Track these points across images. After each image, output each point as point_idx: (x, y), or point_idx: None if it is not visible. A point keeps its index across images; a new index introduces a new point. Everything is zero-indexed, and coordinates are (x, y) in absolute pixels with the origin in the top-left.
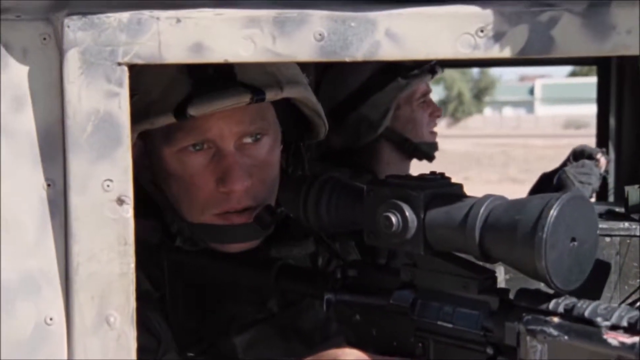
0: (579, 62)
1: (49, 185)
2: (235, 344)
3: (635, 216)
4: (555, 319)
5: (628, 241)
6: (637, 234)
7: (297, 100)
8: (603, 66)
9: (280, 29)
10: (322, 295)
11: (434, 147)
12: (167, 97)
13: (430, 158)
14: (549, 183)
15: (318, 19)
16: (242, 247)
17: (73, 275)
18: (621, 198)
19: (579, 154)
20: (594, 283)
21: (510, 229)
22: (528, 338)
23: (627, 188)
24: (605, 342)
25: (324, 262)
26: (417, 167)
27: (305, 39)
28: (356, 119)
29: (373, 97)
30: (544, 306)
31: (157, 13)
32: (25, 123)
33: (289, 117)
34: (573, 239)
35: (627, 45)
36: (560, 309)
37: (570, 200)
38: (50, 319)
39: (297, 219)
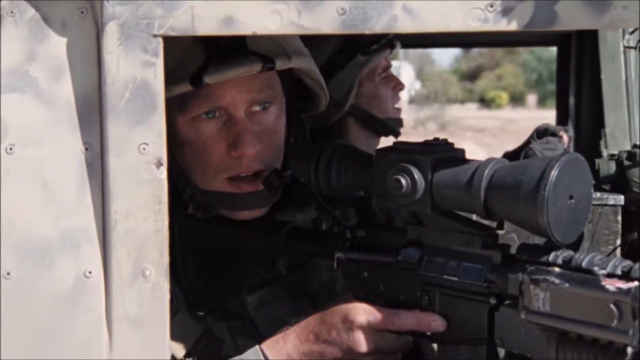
0: (540, 43)
1: (86, 148)
2: (246, 303)
3: (605, 187)
4: (556, 269)
5: (600, 210)
6: (609, 203)
7: (301, 71)
8: (563, 46)
9: (305, 4)
10: (332, 254)
11: (399, 122)
12: (182, 67)
13: (397, 134)
14: (517, 157)
15: None
16: (252, 215)
17: (111, 232)
18: None
19: (542, 132)
20: (569, 249)
21: (514, 188)
22: (531, 287)
23: (597, 160)
24: (603, 288)
25: (327, 227)
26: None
27: (329, 13)
28: None
29: (335, 77)
30: (543, 258)
31: None
32: (64, 91)
33: (292, 87)
34: (571, 197)
35: (624, 19)
36: (559, 261)
37: (569, 161)
38: (89, 273)
39: (308, 183)
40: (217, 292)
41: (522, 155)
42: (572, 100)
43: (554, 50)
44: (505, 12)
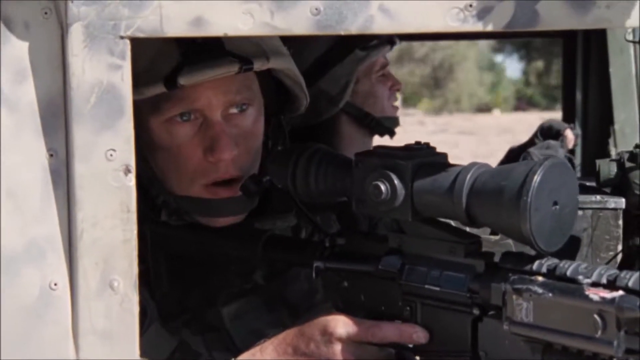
0: (545, 35)
1: (51, 155)
2: (222, 314)
3: (606, 189)
4: (540, 278)
5: (600, 214)
6: (609, 207)
7: (280, 72)
8: (569, 39)
9: (278, 4)
10: (311, 263)
11: (395, 121)
12: (156, 67)
13: (392, 133)
14: (516, 158)
15: None
16: (228, 222)
17: (77, 242)
18: (589, 173)
19: (546, 130)
20: (565, 257)
21: (496, 194)
22: (514, 297)
23: (598, 161)
24: (587, 298)
25: (307, 234)
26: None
27: (302, 13)
28: (315, 94)
29: (331, 70)
30: (527, 267)
31: None
32: (27, 95)
33: (271, 88)
34: (555, 203)
35: (607, 19)
36: (544, 269)
37: (552, 166)
38: (55, 284)
39: (285, 189)
40: (192, 302)
41: (521, 160)
42: (579, 96)
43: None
44: (485, 12)
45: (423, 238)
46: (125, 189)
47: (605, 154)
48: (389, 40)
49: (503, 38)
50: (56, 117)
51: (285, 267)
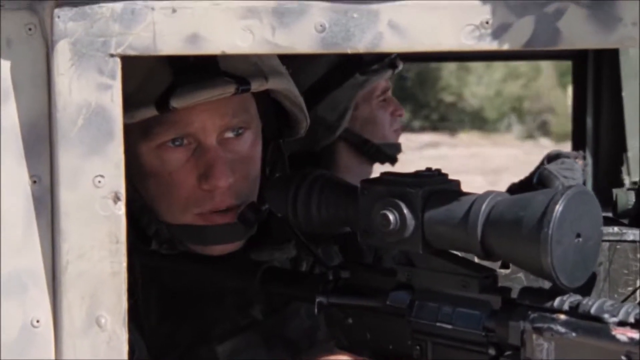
0: (552, 57)
1: (34, 181)
2: (217, 352)
3: (624, 220)
4: (562, 316)
5: (617, 247)
6: (627, 239)
7: (279, 93)
8: (579, 61)
9: (279, 20)
10: (312, 298)
11: (397, 148)
12: (146, 89)
13: (393, 160)
14: (525, 188)
15: (319, 9)
16: (225, 250)
17: (62, 275)
18: (601, 203)
19: (553, 159)
20: (580, 293)
21: (514, 225)
22: (534, 336)
23: (615, 191)
24: (614, 338)
25: (308, 266)
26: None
27: (306, 30)
28: (312, 120)
29: (329, 96)
30: (548, 304)
31: (151, 3)
32: (9, 117)
33: (269, 111)
34: (578, 235)
35: (633, 37)
36: (566, 307)
37: (575, 195)
38: (37, 321)
39: (285, 218)
40: (183, 338)
41: (536, 177)
42: (589, 122)
43: None
44: (502, 29)
45: (434, 271)
46: (114, 218)
47: (618, 183)
48: (391, 63)
49: (517, 60)
50: (40, 140)
51: (284, 302)
